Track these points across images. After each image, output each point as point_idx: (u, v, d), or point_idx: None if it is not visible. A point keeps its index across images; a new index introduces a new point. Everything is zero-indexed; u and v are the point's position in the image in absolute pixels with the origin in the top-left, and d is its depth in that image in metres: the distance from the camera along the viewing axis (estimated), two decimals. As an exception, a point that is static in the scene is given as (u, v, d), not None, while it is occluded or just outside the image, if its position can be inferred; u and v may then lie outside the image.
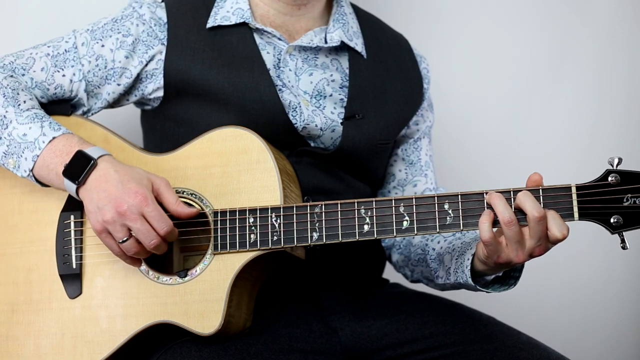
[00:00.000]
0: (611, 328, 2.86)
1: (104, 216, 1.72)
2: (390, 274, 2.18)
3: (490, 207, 1.69)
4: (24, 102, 1.83)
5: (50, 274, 1.86)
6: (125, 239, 1.73)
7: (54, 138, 1.78)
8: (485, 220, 1.68)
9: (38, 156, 1.77)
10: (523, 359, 1.84)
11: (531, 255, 1.70)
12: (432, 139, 2.20)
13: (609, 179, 1.66)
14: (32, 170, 1.79)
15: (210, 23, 1.97)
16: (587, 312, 2.84)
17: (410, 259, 2.06)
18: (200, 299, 1.78)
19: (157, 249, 1.75)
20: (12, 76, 1.89)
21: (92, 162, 1.75)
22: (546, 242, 1.69)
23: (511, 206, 1.68)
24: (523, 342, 1.89)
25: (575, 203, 1.67)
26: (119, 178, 1.73)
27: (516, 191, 1.70)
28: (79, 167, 1.75)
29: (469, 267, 1.81)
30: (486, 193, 1.70)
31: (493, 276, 1.84)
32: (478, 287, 1.83)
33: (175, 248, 1.89)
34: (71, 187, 1.76)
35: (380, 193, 2.16)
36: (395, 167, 2.15)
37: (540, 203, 1.68)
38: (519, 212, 1.68)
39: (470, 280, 1.82)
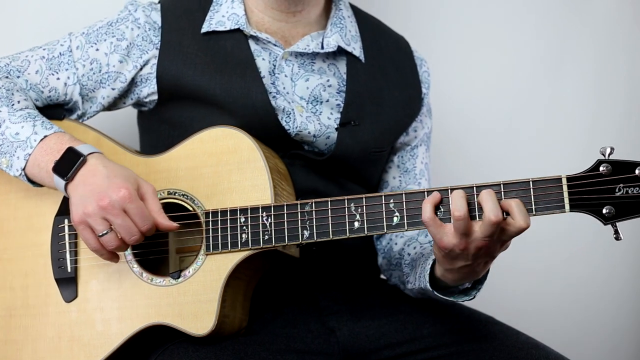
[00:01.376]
0: (611, 328, 2.84)
1: (85, 208, 1.72)
2: (389, 274, 2.17)
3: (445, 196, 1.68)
4: (18, 102, 1.85)
5: (45, 278, 1.86)
6: (105, 232, 1.72)
7: (45, 137, 1.79)
8: (428, 201, 1.67)
9: (30, 155, 1.78)
10: (522, 358, 1.83)
11: (477, 249, 1.66)
12: (432, 138, 2.19)
13: (601, 169, 1.64)
14: (24, 169, 1.79)
15: (205, 28, 1.97)
16: (587, 312, 2.82)
17: (391, 263, 2.06)
18: (194, 300, 1.78)
19: (136, 242, 1.75)
20: (7, 77, 1.90)
21: (82, 158, 1.75)
22: (495, 241, 1.66)
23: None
24: (522, 342, 1.88)
25: (566, 194, 1.64)
26: (106, 173, 1.73)
27: (506, 184, 1.68)
28: (69, 163, 1.75)
29: (428, 272, 1.80)
30: (476, 187, 1.69)
31: (462, 287, 1.82)
32: (435, 293, 1.81)
33: (171, 249, 1.89)
34: (60, 183, 1.76)
35: None
36: (389, 174, 2.13)
37: (530, 195, 1.66)
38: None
39: (428, 285, 1.80)
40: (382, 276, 2.14)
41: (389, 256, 2.07)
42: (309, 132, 1.95)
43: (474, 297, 1.81)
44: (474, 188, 1.69)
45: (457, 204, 1.64)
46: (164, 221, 1.74)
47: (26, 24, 2.40)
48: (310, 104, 1.98)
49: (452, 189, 1.69)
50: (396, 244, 2.06)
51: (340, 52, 2.03)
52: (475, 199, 1.67)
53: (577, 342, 2.73)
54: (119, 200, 1.70)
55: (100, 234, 1.72)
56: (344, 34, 2.02)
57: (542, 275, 2.66)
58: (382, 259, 2.10)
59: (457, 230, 1.65)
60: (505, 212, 1.65)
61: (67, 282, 1.85)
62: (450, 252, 1.68)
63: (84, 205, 1.72)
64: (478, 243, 1.65)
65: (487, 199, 1.64)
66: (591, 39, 2.78)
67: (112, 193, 1.70)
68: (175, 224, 1.76)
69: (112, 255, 1.78)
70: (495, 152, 2.73)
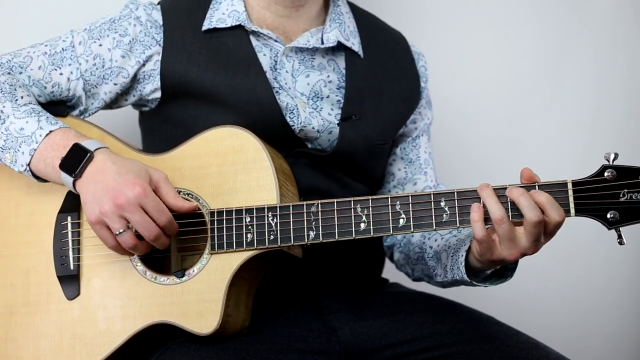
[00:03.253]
0: (611, 328, 2.85)
1: (101, 207, 1.71)
2: (390, 273, 2.18)
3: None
4: (22, 97, 1.84)
5: (48, 275, 1.85)
6: (122, 230, 1.72)
7: (50, 132, 1.78)
8: (477, 218, 1.68)
9: (35, 150, 1.77)
10: (522, 358, 1.84)
11: (524, 254, 1.70)
12: (431, 137, 2.19)
13: (606, 174, 1.66)
14: (29, 165, 1.78)
15: (205, 25, 1.97)
16: (587, 312, 2.83)
17: (410, 257, 2.06)
18: (198, 298, 1.78)
19: (158, 241, 1.74)
20: (9, 73, 1.89)
21: (89, 154, 1.74)
22: (540, 243, 1.69)
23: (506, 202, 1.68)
24: (522, 342, 1.88)
25: (571, 199, 1.67)
26: (116, 170, 1.72)
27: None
28: (76, 159, 1.74)
29: (463, 264, 1.81)
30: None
31: (491, 270, 1.84)
32: (474, 283, 1.83)
33: (172, 248, 1.89)
34: (68, 180, 1.75)
35: (380, 193, 2.16)
36: (394, 166, 2.14)
37: None
38: (514, 209, 1.68)
39: (465, 277, 1.81)
40: (403, 271, 2.14)
41: (407, 250, 2.08)
42: (313, 128, 1.95)
43: (511, 277, 1.82)
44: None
45: (494, 207, 1.66)
46: (183, 204, 1.75)
47: (26, 23, 2.39)
48: (311, 100, 1.99)
49: (458, 192, 1.71)
50: (413, 235, 2.07)
51: (339, 47, 2.03)
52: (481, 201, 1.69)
53: (577, 342, 2.74)
54: (134, 197, 1.69)
55: (117, 233, 1.72)
56: (342, 30, 2.03)
57: (543, 275, 2.66)
58: (400, 254, 2.11)
59: (502, 237, 1.67)
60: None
61: (70, 280, 1.84)
62: (503, 260, 1.71)
63: (99, 204, 1.71)
64: (526, 251, 1.69)
65: (524, 203, 1.66)
66: (591, 39, 2.78)
67: (127, 190, 1.70)
68: (194, 203, 1.77)
69: (128, 254, 1.79)
70: (496, 152, 2.74)
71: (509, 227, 1.67)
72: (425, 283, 2.12)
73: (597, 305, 2.84)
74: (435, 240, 1.98)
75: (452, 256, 1.86)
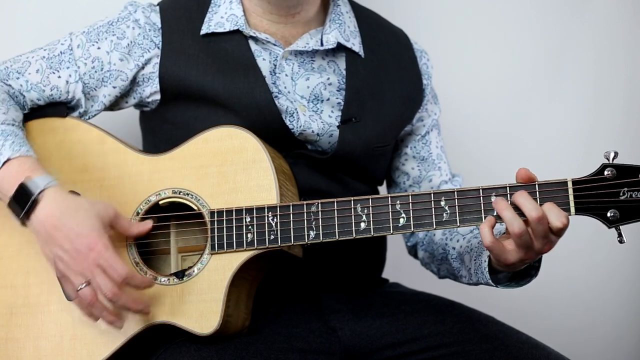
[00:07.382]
0: (611, 327, 2.85)
1: (65, 266, 1.73)
2: (390, 273, 2.18)
3: (494, 213, 1.69)
4: None
5: (48, 276, 1.85)
6: (83, 285, 1.73)
7: (8, 159, 1.76)
8: (484, 226, 1.69)
9: None
10: (522, 358, 1.84)
11: (540, 253, 1.71)
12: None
13: (605, 172, 1.66)
14: None
15: (204, 30, 1.97)
16: (587, 311, 2.83)
17: (435, 256, 2.07)
18: (198, 299, 1.78)
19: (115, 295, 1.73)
20: (2, 83, 1.89)
21: (32, 199, 1.73)
22: (550, 238, 1.69)
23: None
24: (522, 342, 1.89)
25: (571, 198, 1.67)
26: (68, 225, 1.71)
27: (512, 187, 1.70)
28: (21, 202, 1.74)
29: (487, 269, 1.82)
30: (482, 189, 1.71)
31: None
32: (499, 286, 1.84)
33: (172, 248, 1.89)
34: (16, 221, 1.77)
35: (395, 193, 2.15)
36: (407, 166, 2.14)
37: (536, 198, 1.68)
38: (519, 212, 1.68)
39: (490, 281, 1.82)
40: (428, 269, 2.14)
41: (430, 249, 2.08)
42: (313, 131, 1.95)
43: (535, 276, 1.84)
44: (480, 190, 1.71)
45: (512, 220, 1.67)
46: (138, 227, 1.79)
47: (26, 24, 2.39)
48: (312, 102, 1.98)
49: (458, 191, 1.72)
50: (434, 234, 2.07)
51: (339, 48, 2.02)
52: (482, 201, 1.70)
53: (577, 342, 2.74)
54: (92, 260, 1.71)
55: (78, 288, 1.74)
56: (342, 30, 2.02)
57: (543, 274, 2.65)
58: (424, 252, 2.11)
59: (520, 246, 1.68)
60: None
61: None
62: (515, 264, 1.72)
63: (61, 261, 1.73)
64: (541, 249, 1.70)
65: (524, 202, 1.67)
66: (591, 39, 2.78)
67: (82, 259, 1.71)
68: (149, 223, 1.80)
69: (114, 319, 1.78)
70: (496, 151, 2.74)
71: (528, 237, 1.68)
72: (426, 283, 2.13)
73: (597, 304, 2.84)
74: (457, 240, 1.98)
75: (475, 260, 1.87)
